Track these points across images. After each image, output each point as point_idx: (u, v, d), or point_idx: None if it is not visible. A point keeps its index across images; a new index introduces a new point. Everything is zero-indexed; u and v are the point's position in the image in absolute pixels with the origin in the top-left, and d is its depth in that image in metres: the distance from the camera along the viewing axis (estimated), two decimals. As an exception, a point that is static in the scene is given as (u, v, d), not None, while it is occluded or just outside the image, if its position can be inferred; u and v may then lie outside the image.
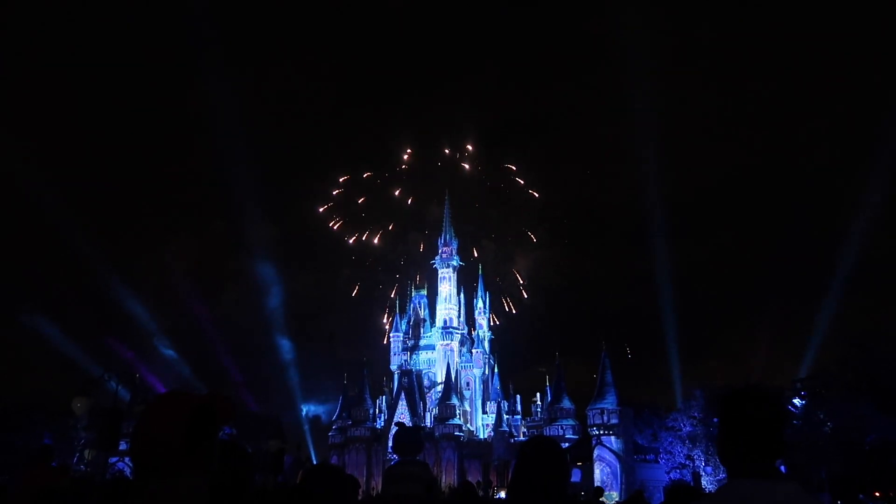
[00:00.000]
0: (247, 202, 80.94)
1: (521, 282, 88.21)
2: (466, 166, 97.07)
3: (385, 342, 69.06)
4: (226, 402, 1.86)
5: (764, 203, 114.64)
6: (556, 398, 57.33)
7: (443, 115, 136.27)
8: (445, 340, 66.05)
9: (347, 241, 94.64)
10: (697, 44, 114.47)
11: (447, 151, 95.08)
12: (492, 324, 71.06)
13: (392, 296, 78.25)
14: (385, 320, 76.73)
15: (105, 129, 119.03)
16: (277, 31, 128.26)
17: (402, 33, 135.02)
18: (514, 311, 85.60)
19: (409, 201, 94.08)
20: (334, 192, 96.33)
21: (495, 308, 71.91)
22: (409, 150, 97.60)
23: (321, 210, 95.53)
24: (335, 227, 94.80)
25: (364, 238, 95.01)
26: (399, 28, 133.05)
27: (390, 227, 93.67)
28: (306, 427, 64.05)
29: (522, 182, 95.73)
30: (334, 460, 56.10)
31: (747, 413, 2.21)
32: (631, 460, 51.10)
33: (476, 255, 78.30)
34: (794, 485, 2.14)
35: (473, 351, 66.33)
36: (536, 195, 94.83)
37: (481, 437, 61.53)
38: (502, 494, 43.30)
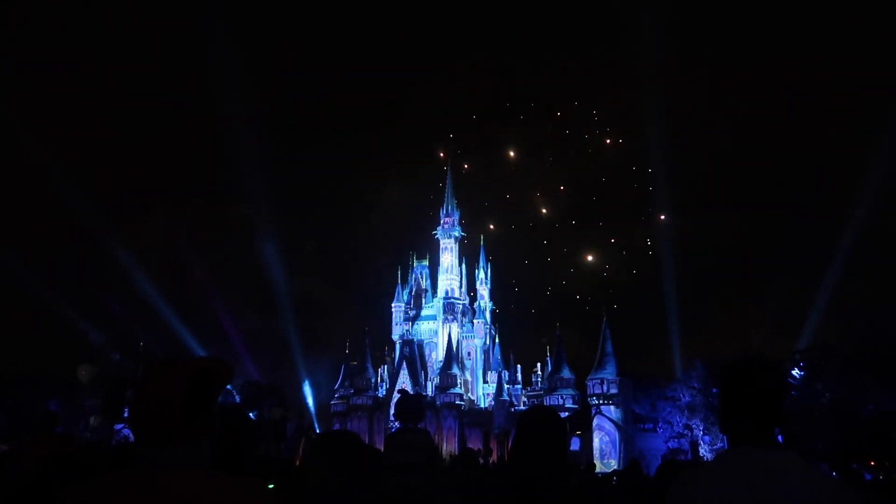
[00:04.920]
0: (250, 169, 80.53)
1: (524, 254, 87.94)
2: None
3: (386, 312, 69.18)
4: (223, 366, 1.87)
5: (766, 175, 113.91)
6: (557, 368, 57.76)
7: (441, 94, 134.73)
8: (447, 311, 66.34)
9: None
10: (705, 21, 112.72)
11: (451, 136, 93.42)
12: (493, 294, 71.16)
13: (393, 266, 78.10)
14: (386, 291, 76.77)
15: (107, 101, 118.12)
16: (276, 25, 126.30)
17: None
18: (514, 281, 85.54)
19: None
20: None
21: (496, 278, 71.75)
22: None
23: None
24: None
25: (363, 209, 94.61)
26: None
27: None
28: (308, 395, 64.61)
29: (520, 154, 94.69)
30: (336, 428, 56.74)
31: (748, 382, 2.22)
32: (630, 429, 51.61)
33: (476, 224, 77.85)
34: (793, 454, 2.17)
35: (474, 321, 66.59)
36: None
37: (482, 406, 62.14)
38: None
